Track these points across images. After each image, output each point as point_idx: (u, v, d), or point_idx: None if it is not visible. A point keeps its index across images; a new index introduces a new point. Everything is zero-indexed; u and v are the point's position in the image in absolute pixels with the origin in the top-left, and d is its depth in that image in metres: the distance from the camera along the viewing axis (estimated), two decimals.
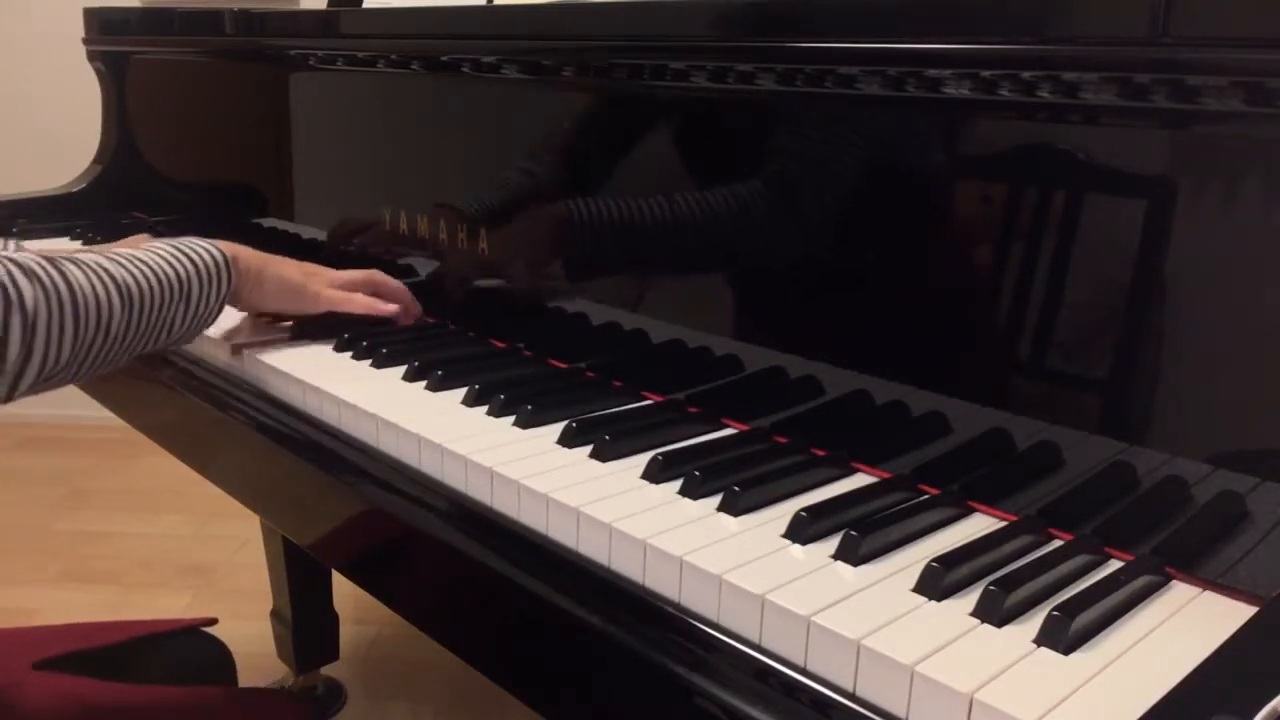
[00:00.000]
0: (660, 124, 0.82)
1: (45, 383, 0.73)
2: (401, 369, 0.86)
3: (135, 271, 0.78)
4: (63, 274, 0.72)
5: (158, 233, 1.47)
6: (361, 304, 0.95)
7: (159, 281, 0.79)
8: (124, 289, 0.76)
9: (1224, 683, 0.42)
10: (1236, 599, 0.54)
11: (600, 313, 0.87)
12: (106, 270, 0.76)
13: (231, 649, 1.04)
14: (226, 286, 0.85)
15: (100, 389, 1.11)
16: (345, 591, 1.73)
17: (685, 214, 0.80)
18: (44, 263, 0.72)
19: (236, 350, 0.92)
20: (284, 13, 1.26)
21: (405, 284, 1.06)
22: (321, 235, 1.19)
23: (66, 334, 0.72)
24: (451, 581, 0.69)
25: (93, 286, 0.74)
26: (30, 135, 2.65)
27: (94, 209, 1.52)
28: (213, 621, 1.04)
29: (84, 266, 0.75)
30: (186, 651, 1.01)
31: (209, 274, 0.84)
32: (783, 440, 0.73)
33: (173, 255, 0.82)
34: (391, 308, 0.97)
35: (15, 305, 0.69)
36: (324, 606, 1.65)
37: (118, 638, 0.95)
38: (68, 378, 0.76)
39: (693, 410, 0.78)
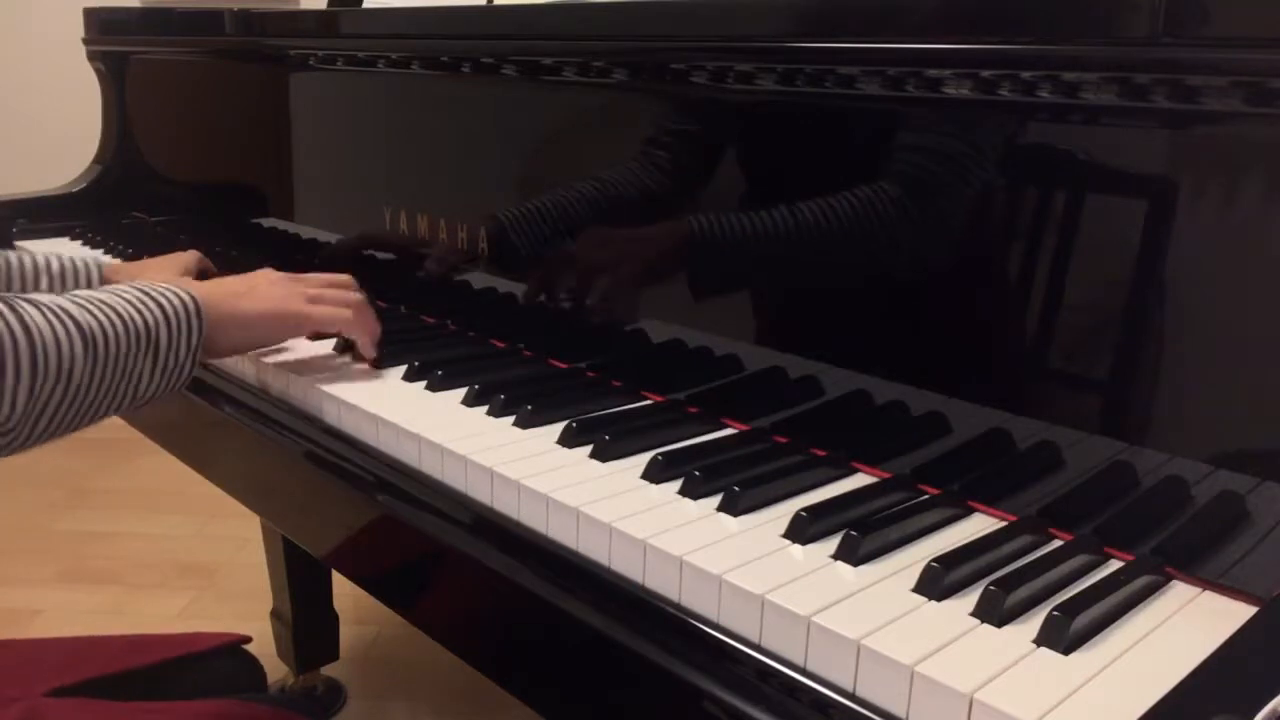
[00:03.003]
0: (660, 125, 0.82)
1: None
2: (401, 369, 0.86)
3: (99, 314, 0.69)
4: (19, 315, 0.65)
5: (158, 233, 1.48)
6: (362, 330, 0.86)
7: (125, 327, 0.70)
8: (87, 333, 0.68)
9: (1224, 683, 0.42)
10: (1236, 599, 0.54)
11: (600, 313, 0.87)
12: (69, 313, 0.68)
13: None
14: (197, 336, 0.76)
15: None
16: (345, 591, 1.73)
17: (687, 215, 0.80)
18: None
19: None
20: (284, 13, 1.26)
21: (403, 284, 1.07)
22: (321, 235, 1.19)
23: (22, 382, 0.64)
24: (451, 582, 0.69)
25: (53, 330, 0.66)
26: (30, 135, 2.65)
27: (94, 209, 1.52)
28: (247, 639, 1.00)
29: (44, 308, 0.67)
30: (219, 670, 0.96)
31: (178, 320, 0.75)
32: (783, 440, 0.73)
33: (139, 299, 0.73)
34: (371, 342, 0.88)
35: None
36: (324, 606, 1.66)
37: (145, 661, 0.91)
38: (19, 439, 0.67)
39: (693, 410, 0.78)
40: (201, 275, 1.07)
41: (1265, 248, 0.53)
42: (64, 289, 0.96)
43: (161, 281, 0.84)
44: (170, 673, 0.93)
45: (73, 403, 0.68)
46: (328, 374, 0.86)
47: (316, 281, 0.88)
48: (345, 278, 0.91)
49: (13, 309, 0.65)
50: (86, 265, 0.99)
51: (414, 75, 1.02)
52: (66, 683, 0.84)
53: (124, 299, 0.72)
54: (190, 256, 1.10)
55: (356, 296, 0.88)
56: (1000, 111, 0.61)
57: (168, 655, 0.94)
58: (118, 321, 0.70)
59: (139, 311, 0.72)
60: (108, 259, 1.03)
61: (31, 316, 0.65)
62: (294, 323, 0.84)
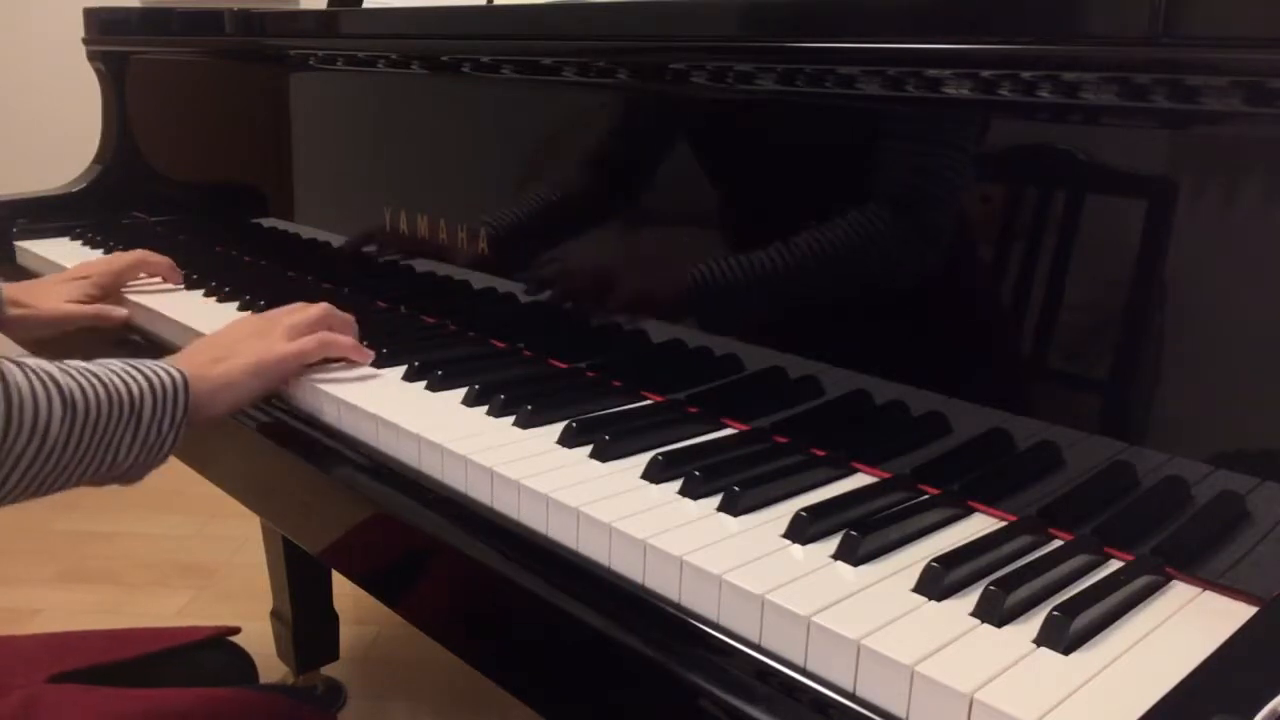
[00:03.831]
0: (658, 125, 0.82)
1: None
2: (401, 369, 0.86)
3: (82, 381, 0.69)
4: None
5: (158, 233, 1.48)
6: (339, 348, 0.87)
7: (108, 395, 0.70)
8: (67, 395, 0.68)
9: (1224, 683, 0.42)
10: (1236, 599, 0.54)
11: (600, 313, 0.87)
12: (50, 374, 0.68)
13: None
14: (182, 412, 0.75)
15: None
16: (345, 591, 1.73)
17: (686, 215, 0.80)
18: None
19: None
20: (284, 13, 1.26)
21: (403, 284, 1.07)
22: (321, 235, 1.19)
23: None
24: (450, 582, 0.69)
25: (31, 387, 0.66)
26: (30, 135, 2.65)
27: (94, 209, 1.52)
28: (235, 631, 1.01)
29: (25, 368, 0.67)
30: (208, 663, 0.97)
31: (164, 393, 0.74)
32: (783, 440, 0.73)
33: (125, 370, 0.73)
34: (355, 348, 0.89)
35: None
36: (324, 606, 1.66)
37: (137, 651, 0.92)
38: None
39: (693, 410, 0.78)
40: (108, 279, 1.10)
41: (1265, 248, 0.53)
42: None
43: (46, 314, 0.88)
44: (159, 664, 0.93)
45: (46, 460, 0.67)
46: (328, 374, 0.86)
47: (285, 310, 0.89)
48: (302, 304, 0.91)
49: None
50: None
51: (414, 75, 1.02)
52: (57, 671, 0.85)
53: (111, 370, 0.73)
54: (99, 264, 1.12)
55: (317, 310, 0.88)
56: (1000, 111, 0.61)
57: (156, 647, 0.94)
58: (100, 389, 0.70)
59: (124, 382, 0.72)
60: (9, 288, 1.03)
61: (10, 371, 0.66)
62: (281, 368, 0.84)
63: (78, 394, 0.68)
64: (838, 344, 0.71)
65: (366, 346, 0.90)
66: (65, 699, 0.81)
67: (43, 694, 0.81)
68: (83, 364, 0.72)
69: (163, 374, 0.75)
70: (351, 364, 0.88)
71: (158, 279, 1.18)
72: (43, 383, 0.67)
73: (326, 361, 0.89)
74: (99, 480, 0.73)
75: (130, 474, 0.75)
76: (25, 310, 1.03)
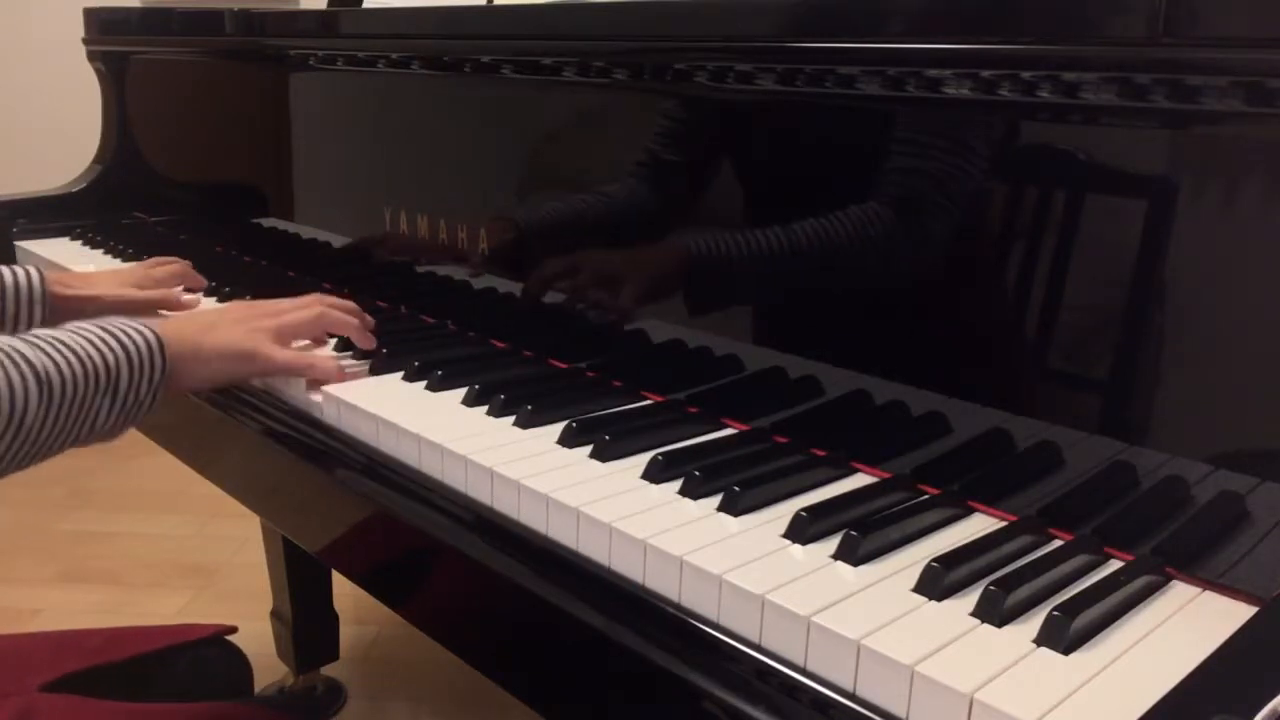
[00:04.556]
0: (660, 125, 0.82)
1: None
2: (401, 369, 0.86)
3: (57, 358, 0.68)
4: None
5: (158, 233, 1.48)
6: (320, 372, 0.84)
7: (84, 369, 0.69)
8: (43, 378, 0.67)
9: (1224, 683, 0.42)
10: (1236, 599, 0.54)
11: (601, 313, 0.87)
12: (24, 355, 0.67)
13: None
14: (160, 374, 0.75)
15: None
16: (345, 591, 1.73)
17: (686, 215, 0.80)
18: None
19: None
20: (284, 13, 1.26)
21: (403, 285, 1.06)
22: (321, 235, 1.19)
23: None
24: (451, 582, 0.69)
25: (6, 375, 0.65)
26: (30, 135, 2.65)
27: (94, 209, 1.52)
28: (232, 630, 1.01)
29: None
30: (204, 663, 0.97)
31: (140, 360, 0.73)
32: (783, 440, 0.73)
33: (100, 338, 0.72)
34: (337, 371, 0.86)
35: None
36: (324, 606, 1.66)
37: (131, 651, 0.92)
38: None
39: (693, 410, 0.78)
40: (160, 288, 1.07)
41: (1265, 247, 0.53)
42: (3, 303, 0.93)
43: (110, 297, 0.83)
44: (156, 663, 0.93)
45: (25, 443, 0.67)
46: None
47: (285, 309, 0.87)
48: (307, 297, 0.90)
49: None
50: (30, 276, 0.96)
51: (414, 75, 1.02)
52: (53, 676, 0.85)
53: (85, 338, 0.72)
54: (139, 270, 1.10)
55: (312, 315, 0.87)
56: (1000, 111, 0.61)
57: (153, 646, 0.94)
58: (75, 364, 0.69)
59: (99, 351, 0.71)
60: (53, 273, 1.01)
61: None
62: (253, 363, 0.83)
63: (53, 372, 0.67)
64: (838, 344, 0.71)
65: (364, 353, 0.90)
66: (57, 708, 0.81)
67: (34, 703, 0.80)
68: (52, 334, 0.71)
69: (136, 337, 0.74)
70: (352, 363, 0.88)
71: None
72: (16, 366, 0.66)
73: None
74: (80, 445, 0.73)
75: (109, 435, 0.75)
76: (78, 291, 1.01)
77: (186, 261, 1.16)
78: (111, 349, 0.72)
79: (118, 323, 0.75)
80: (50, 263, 1.32)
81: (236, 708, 0.94)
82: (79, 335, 0.72)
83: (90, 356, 0.70)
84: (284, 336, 0.85)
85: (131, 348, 0.73)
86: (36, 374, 0.67)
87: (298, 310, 0.88)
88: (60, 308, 0.97)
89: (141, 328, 0.75)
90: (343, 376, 0.85)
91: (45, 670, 0.85)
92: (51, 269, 1.29)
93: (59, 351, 0.69)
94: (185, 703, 0.90)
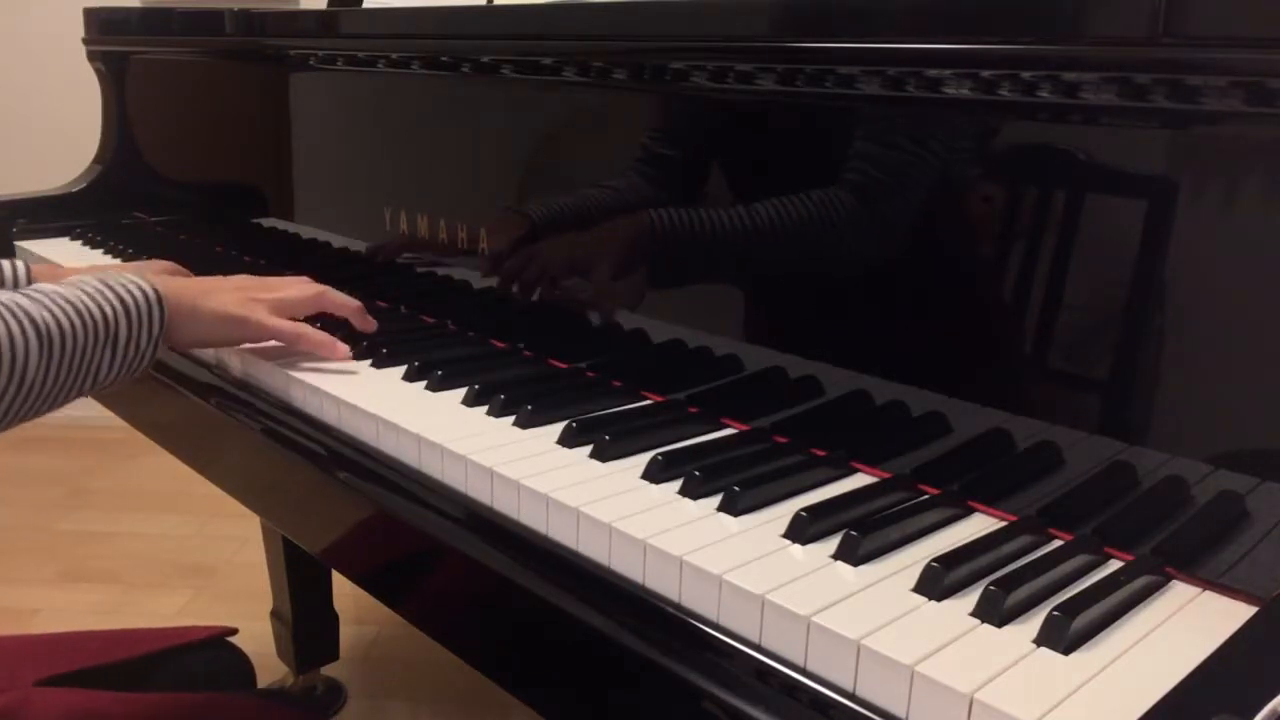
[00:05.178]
0: (660, 124, 0.82)
1: None
2: (401, 369, 0.86)
3: (56, 311, 0.69)
4: None
5: (158, 233, 1.48)
6: (309, 342, 0.86)
7: (83, 322, 0.70)
8: (43, 331, 0.68)
9: (1224, 683, 0.42)
10: (1236, 599, 0.54)
11: (600, 313, 0.87)
12: (24, 309, 0.68)
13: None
14: (159, 327, 0.76)
15: None
16: (345, 591, 1.73)
17: (687, 215, 0.80)
18: None
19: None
20: (284, 13, 1.26)
21: (403, 284, 1.06)
22: (321, 235, 1.19)
23: None
24: (450, 582, 0.69)
25: (7, 328, 0.66)
26: (30, 135, 2.65)
27: (94, 209, 1.52)
28: (233, 631, 1.01)
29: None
30: (205, 663, 0.97)
31: (138, 313, 0.75)
32: (783, 440, 0.73)
33: (99, 291, 0.73)
34: (330, 344, 0.88)
35: None
36: (324, 606, 1.66)
37: (132, 653, 0.92)
38: None
39: (693, 410, 0.78)
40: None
41: (1265, 247, 0.53)
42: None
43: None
44: (156, 664, 0.93)
45: (26, 397, 0.68)
46: (328, 374, 0.86)
47: (287, 283, 0.89)
48: (302, 278, 0.92)
49: None
50: (15, 269, 0.96)
51: (414, 75, 1.02)
52: (50, 674, 0.85)
53: (85, 292, 0.73)
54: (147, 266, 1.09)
55: (311, 293, 0.89)
56: (1000, 112, 0.61)
57: (153, 647, 0.94)
58: (75, 317, 0.70)
59: (99, 305, 0.72)
60: (42, 266, 1.01)
61: None
62: (246, 328, 0.85)
63: (53, 326, 0.68)
64: (838, 344, 0.71)
65: (367, 346, 0.90)
66: (52, 702, 0.81)
67: (30, 696, 0.81)
68: (54, 288, 0.72)
69: (135, 290, 0.75)
70: (351, 364, 0.88)
71: None
72: (17, 320, 0.67)
73: (328, 360, 0.89)
74: (83, 396, 0.74)
75: (111, 387, 0.76)
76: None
77: (181, 267, 1.15)
78: (110, 302, 0.73)
79: (118, 277, 0.76)
80: (50, 263, 1.32)
81: (236, 699, 0.94)
82: (79, 289, 0.73)
83: (89, 309, 0.71)
84: (281, 310, 0.87)
85: (130, 301, 0.74)
86: (36, 327, 0.68)
87: (298, 287, 0.89)
88: None
89: (141, 282, 0.76)
90: (337, 348, 0.87)
91: (41, 669, 0.85)
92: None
93: (58, 305, 0.70)
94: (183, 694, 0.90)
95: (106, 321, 0.73)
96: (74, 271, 1.05)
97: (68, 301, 0.71)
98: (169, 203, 1.51)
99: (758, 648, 0.52)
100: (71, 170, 1.57)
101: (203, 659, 0.98)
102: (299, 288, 0.89)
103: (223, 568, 2.09)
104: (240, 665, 1.01)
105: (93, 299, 0.72)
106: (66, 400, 0.72)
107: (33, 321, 0.68)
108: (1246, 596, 0.54)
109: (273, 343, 0.91)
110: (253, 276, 0.90)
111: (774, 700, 0.50)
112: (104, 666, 0.89)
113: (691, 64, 0.76)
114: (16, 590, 2.00)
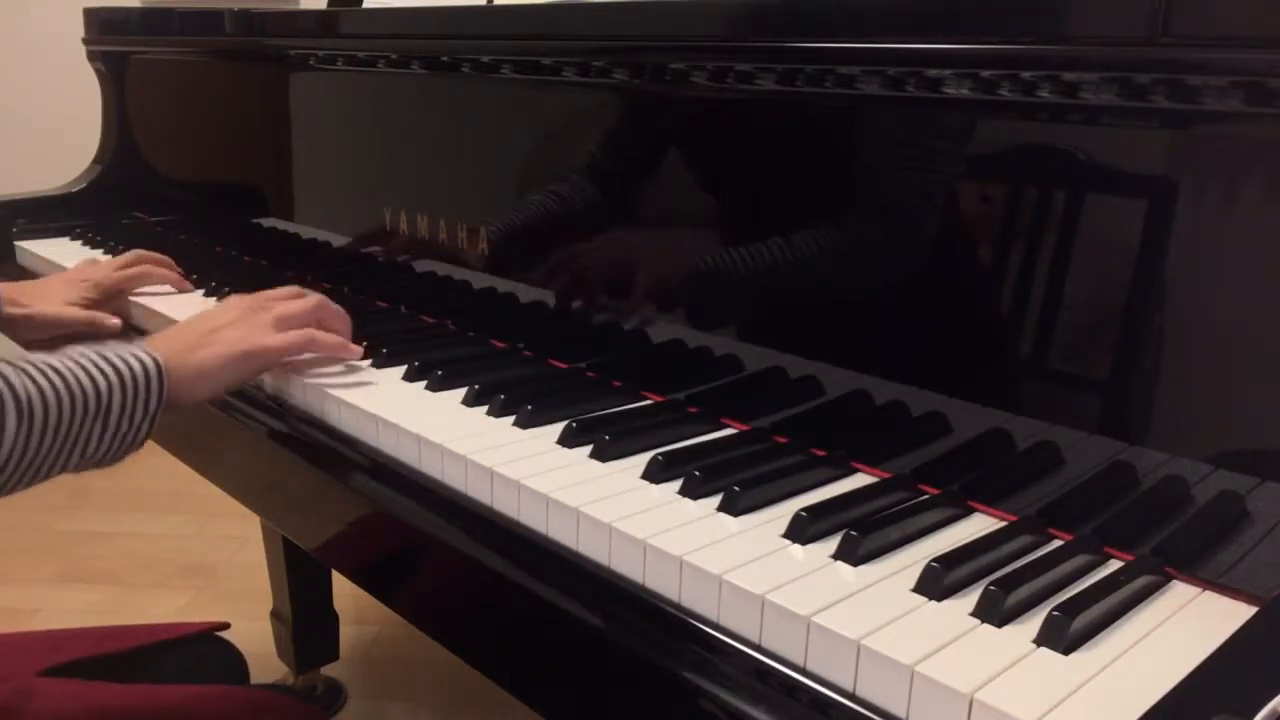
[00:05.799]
0: (659, 125, 0.82)
1: None
2: (401, 369, 0.86)
3: (42, 382, 0.67)
4: None
5: (158, 233, 1.48)
6: (322, 346, 0.86)
7: (70, 394, 0.68)
8: (23, 402, 0.65)
9: (1224, 683, 0.42)
10: (1236, 599, 0.54)
11: (600, 313, 0.87)
12: (6, 380, 0.66)
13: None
14: (156, 401, 0.74)
15: None
16: (345, 591, 1.73)
17: (687, 215, 0.80)
18: None
19: None
20: (284, 13, 1.26)
21: (403, 284, 1.06)
22: (321, 235, 1.19)
23: None
24: (451, 582, 0.69)
25: None
26: (30, 135, 2.65)
27: (94, 209, 1.52)
28: (225, 626, 1.01)
29: None
30: (199, 658, 0.97)
31: (135, 386, 0.72)
32: (783, 440, 0.73)
33: (93, 364, 0.71)
34: (342, 345, 0.88)
35: None
36: (324, 606, 1.66)
37: (128, 644, 0.93)
38: None
39: (693, 410, 0.78)
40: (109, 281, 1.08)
41: (1265, 247, 0.53)
42: None
43: (47, 315, 0.85)
44: (150, 658, 0.94)
45: (5, 467, 0.66)
46: (328, 374, 0.86)
47: (280, 296, 0.87)
48: (294, 288, 0.90)
49: None
50: None
51: (414, 75, 1.02)
52: (48, 665, 0.85)
53: (78, 364, 0.71)
54: (101, 270, 1.10)
55: (309, 303, 0.87)
56: (1000, 112, 0.61)
57: (146, 642, 0.94)
58: (61, 388, 0.68)
59: (90, 377, 0.70)
60: (6, 286, 1.02)
61: None
62: (260, 360, 0.83)
63: (35, 398, 0.66)
64: (838, 344, 0.71)
65: (367, 346, 0.90)
66: (54, 691, 0.81)
67: (33, 686, 0.81)
68: (46, 359, 0.70)
69: (134, 363, 0.73)
70: (352, 364, 0.88)
71: (166, 285, 1.16)
72: None
73: (328, 360, 0.89)
74: (74, 470, 0.72)
75: (106, 462, 0.74)
76: (23, 310, 1.02)
77: (164, 257, 1.15)
78: (105, 374, 0.71)
79: (118, 348, 0.74)
80: (50, 263, 1.32)
81: (234, 689, 0.94)
82: (71, 361, 0.71)
83: (80, 383, 0.69)
84: (284, 326, 0.85)
85: (126, 373, 0.72)
86: (16, 398, 0.65)
87: (295, 299, 0.87)
88: (12, 325, 0.99)
89: (141, 353, 0.74)
90: (350, 348, 0.87)
91: (38, 663, 0.86)
92: (51, 269, 1.30)
93: (45, 376, 0.68)
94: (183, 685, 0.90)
95: (99, 392, 0.70)
96: (38, 288, 1.06)
97: (55, 372, 0.69)
98: (169, 202, 1.51)
99: (758, 648, 0.52)
100: (71, 170, 1.57)
101: (195, 653, 0.98)
102: (296, 301, 0.87)
103: (223, 568, 2.09)
104: (234, 660, 1.02)
105: (85, 370, 0.70)
106: (52, 473, 0.70)
107: (13, 392, 0.66)
108: (1246, 596, 0.54)
109: None
110: (242, 298, 0.87)
111: (774, 700, 0.50)
112: (101, 658, 0.90)
113: (691, 64, 0.76)
114: (16, 590, 2.00)
